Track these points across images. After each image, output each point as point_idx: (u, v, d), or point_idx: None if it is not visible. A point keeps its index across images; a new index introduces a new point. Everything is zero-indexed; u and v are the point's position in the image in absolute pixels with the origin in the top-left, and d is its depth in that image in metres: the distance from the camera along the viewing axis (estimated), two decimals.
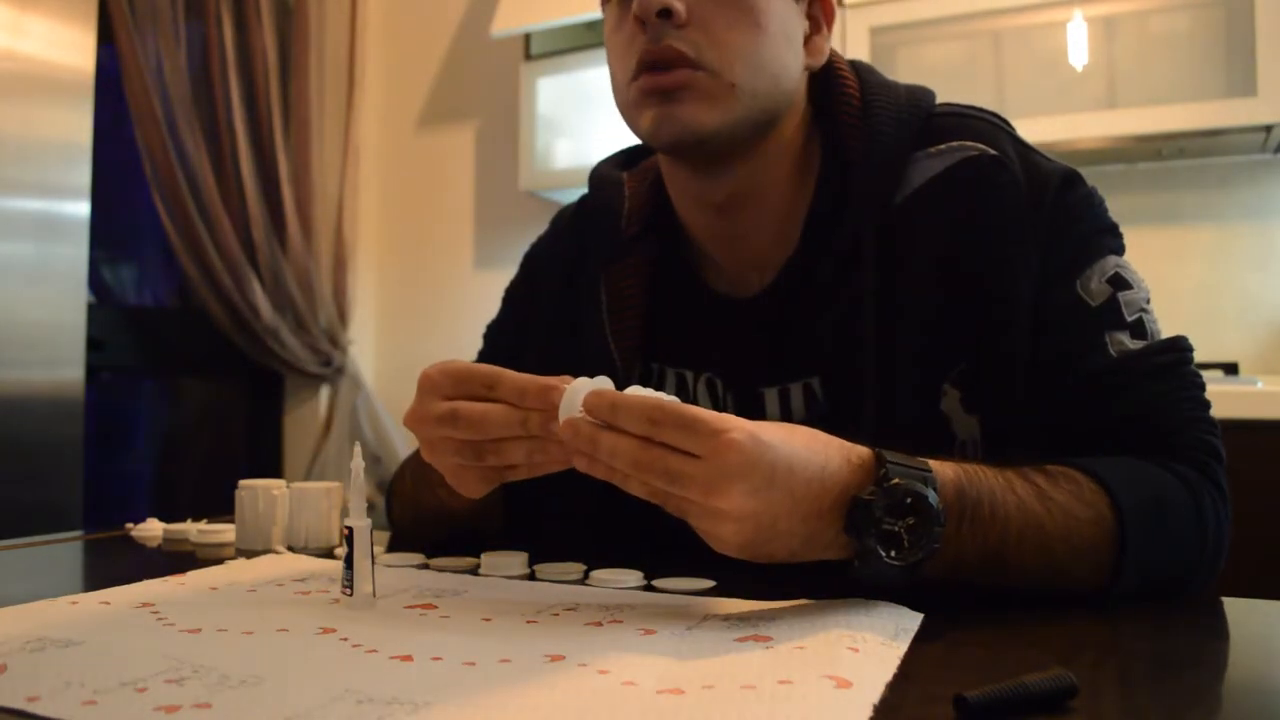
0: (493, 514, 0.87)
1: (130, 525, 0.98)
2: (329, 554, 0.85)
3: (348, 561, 0.62)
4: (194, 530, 0.92)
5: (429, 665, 0.49)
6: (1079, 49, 1.96)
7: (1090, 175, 0.83)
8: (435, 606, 0.63)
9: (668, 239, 0.89)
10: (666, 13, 0.74)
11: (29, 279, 1.85)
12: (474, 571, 0.75)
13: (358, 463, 0.63)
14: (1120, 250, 0.80)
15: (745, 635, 0.54)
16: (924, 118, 0.83)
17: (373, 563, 0.62)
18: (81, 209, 1.92)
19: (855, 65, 0.87)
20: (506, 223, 2.72)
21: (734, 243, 0.85)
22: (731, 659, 0.50)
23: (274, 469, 2.69)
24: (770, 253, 0.84)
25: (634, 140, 0.90)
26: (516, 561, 0.75)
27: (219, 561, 0.79)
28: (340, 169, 2.67)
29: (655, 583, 0.70)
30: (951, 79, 2.10)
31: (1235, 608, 0.68)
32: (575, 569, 0.74)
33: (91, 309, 2.01)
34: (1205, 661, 0.57)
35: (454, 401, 0.64)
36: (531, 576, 0.74)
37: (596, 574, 0.71)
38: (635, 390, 0.59)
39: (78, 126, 1.92)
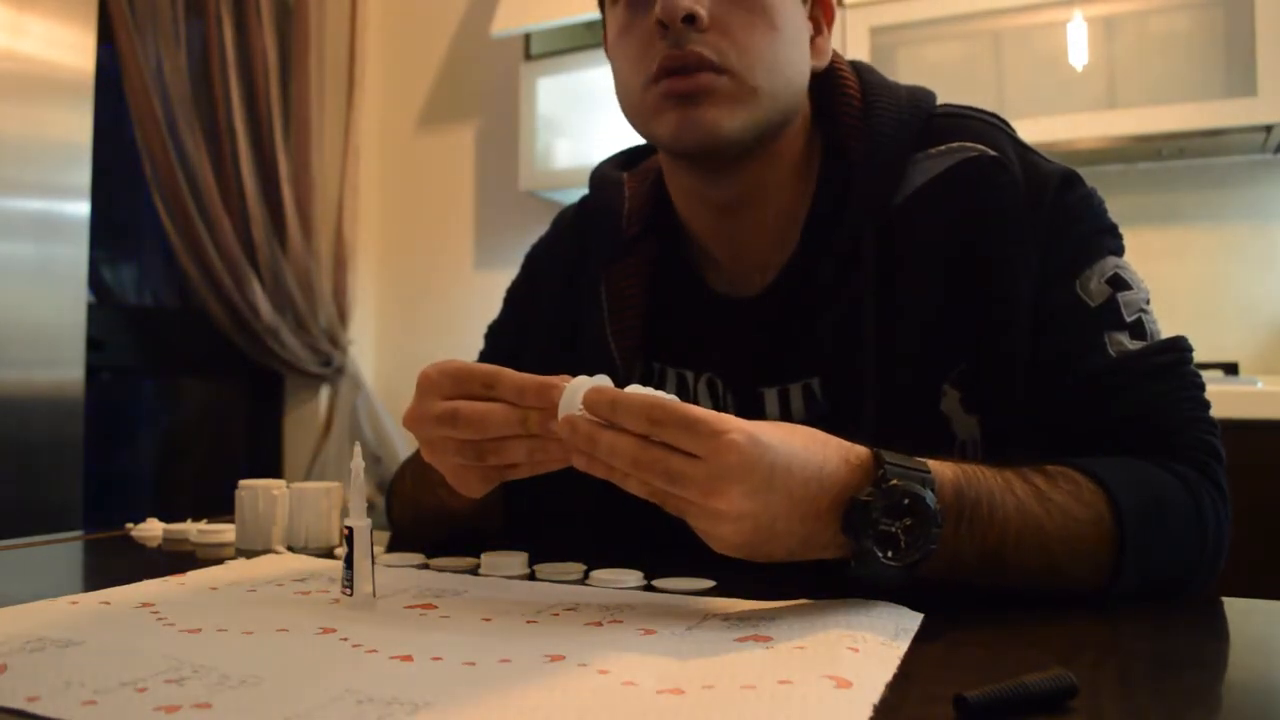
0: (493, 514, 0.87)
1: (130, 525, 0.98)
2: (329, 554, 0.85)
3: (348, 561, 0.62)
4: (194, 530, 0.92)
5: (429, 665, 0.49)
6: (1079, 49, 1.96)
7: (1090, 175, 0.83)
8: (435, 606, 0.63)
9: (668, 239, 0.89)
10: (691, 18, 0.74)
11: (29, 279, 1.85)
12: (474, 571, 0.75)
13: (358, 463, 0.63)
14: (1120, 251, 0.80)
15: (745, 635, 0.54)
16: (924, 118, 0.83)
17: (373, 563, 0.62)
18: (81, 209, 1.92)
19: (855, 66, 0.88)
20: (506, 223, 2.72)
21: (735, 243, 0.85)
22: (731, 659, 0.50)
23: (274, 469, 2.69)
24: (771, 253, 0.84)
25: (633, 140, 0.90)
26: (516, 561, 0.75)
27: (219, 561, 0.79)
28: (340, 169, 2.67)
29: (655, 583, 0.70)
30: (951, 79, 2.10)
31: (1235, 608, 0.68)
32: (575, 569, 0.74)
33: (91, 309, 2.01)
34: (1205, 661, 0.57)
35: (453, 401, 0.64)
36: (531, 576, 0.74)
37: (596, 574, 0.71)
38: (635, 389, 0.59)
39: (78, 126, 1.92)
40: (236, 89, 2.44)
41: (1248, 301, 2.02)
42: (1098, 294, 0.76)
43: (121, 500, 2.56)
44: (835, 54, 0.86)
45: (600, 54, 2.38)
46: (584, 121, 2.48)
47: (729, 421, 0.56)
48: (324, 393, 2.68)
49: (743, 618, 0.59)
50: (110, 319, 2.32)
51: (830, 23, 0.85)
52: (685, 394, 0.87)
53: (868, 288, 0.79)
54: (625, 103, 0.82)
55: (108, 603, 0.63)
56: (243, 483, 0.89)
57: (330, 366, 2.62)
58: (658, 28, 0.75)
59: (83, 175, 1.92)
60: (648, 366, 0.89)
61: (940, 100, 0.86)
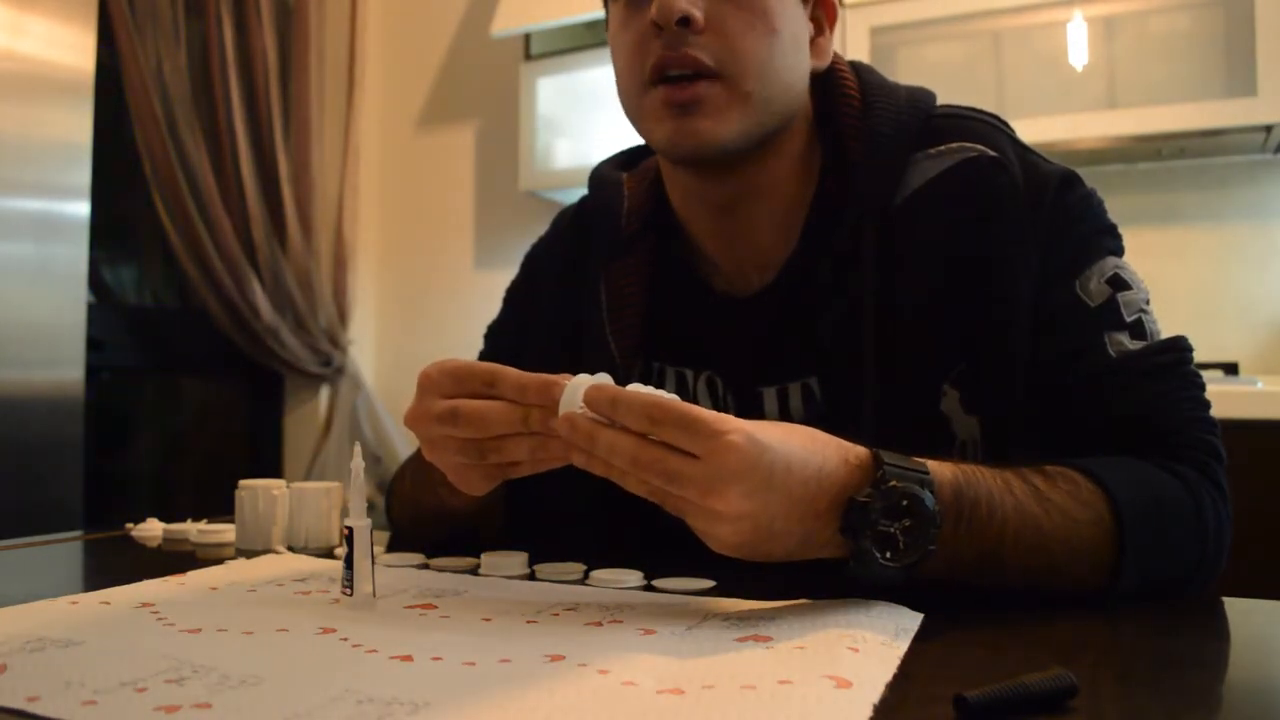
0: (493, 513, 0.87)
1: (130, 525, 0.98)
2: (329, 554, 0.85)
3: (348, 561, 0.62)
4: (194, 530, 0.92)
5: (429, 665, 0.49)
6: (1079, 49, 1.96)
7: (1090, 175, 0.83)
8: (435, 606, 0.63)
9: (667, 239, 0.89)
10: (686, 20, 0.74)
11: (29, 279, 1.85)
12: (474, 571, 0.75)
13: (357, 463, 0.63)
14: (1119, 251, 0.80)
15: (745, 635, 0.54)
16: (923, 118, 0.83)
17: (373, 563, 0.62)
18: (81, 209, 1.92)
19: (855, 66, 0.88)
20: (506, 223, 2.72)
21: (734, 242, 0.85)
22: (731, 659, 0.50)
23: (274, 469, 2.69)
24: (770, 252, 0.84)
25: (632, 140, 0.90)
26: (516, 561, 0.75)
27: (219, 561, 0.79)
28: (340, 169, 2.67)
29: (655, 583, 0.70)
30: (951, 79, 2.10)
31: (1235, 608, 0.68)
32: (575, 569, 0.74)
33: (91, 309, 2.01)
34: (1205, 661, 0.57)
35: (454, 400, 0.64)
36: (531, 576, 0.74)
37: (596, 574, 0.71)
38: (636, 388, 0.59)
39: (78, 126, 1.92)
40: (236, 89, 2.44)
41: (1248, 301, 2.02)
42: (1098, 294, 0.76)
43: (121, 500, 2.56)
44: (835, 54, 0.86)
45: (600, 54, 2.40)
46: (584, 121, 2.48)
47: (728, 422, 0.56)
48: (324, 393, 2.68)
49: (743, 618, 0.59)
50: (110, 319, 2.32)
51: (833, 23, 0.85)
52: (685, 392, 0.87)
53: (867, 287, 0.79)
54: (623, 101, 0.83)
55: (108, 603, 0.63)
56: (243, 483, 0.89)
57: (330, 366, 2.62)
58: (652, 28, 0.75)
59: (83, 175, 1.92)
60: (647, 365, 0.89)
61: (940, 100, 0.86)
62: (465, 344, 1.10)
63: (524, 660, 0.50)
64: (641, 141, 0.85)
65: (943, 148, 0.81)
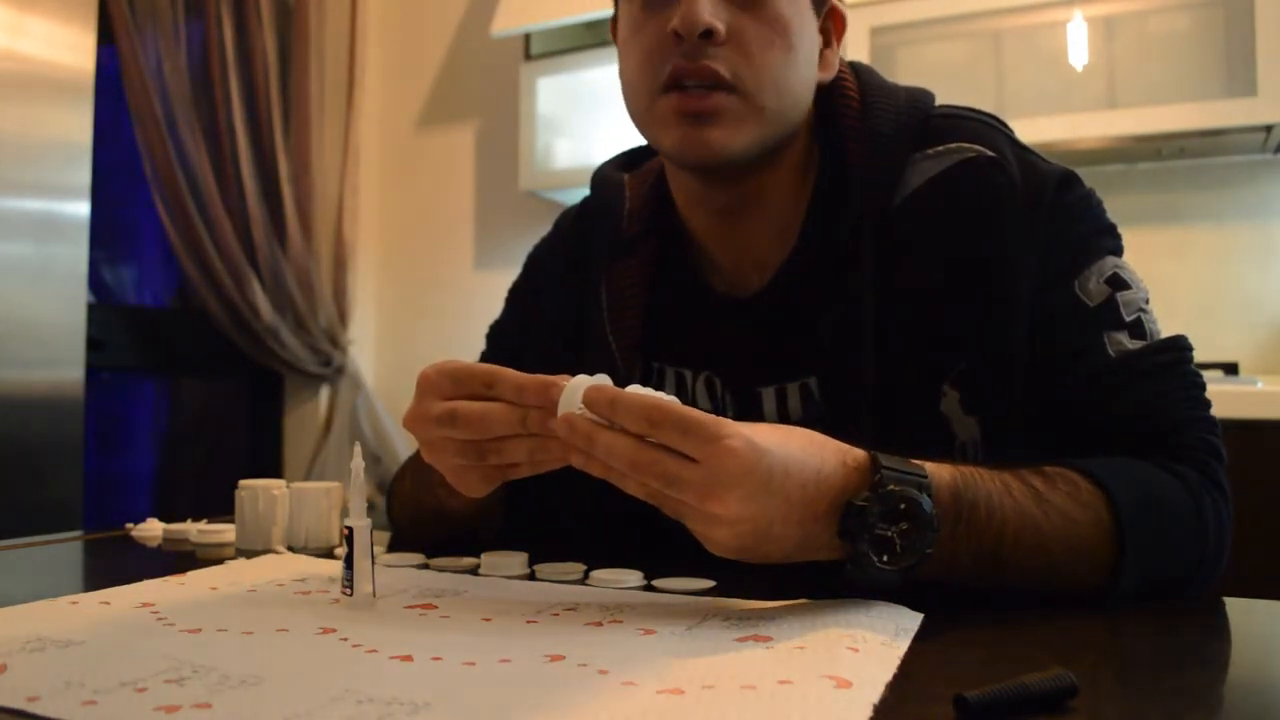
0: (492, 515, 0.87)
1: (130, 525, 0.98)
2: (329, 554, 0.85)
3: (347, 561, 0.62)
4: (194, 530, 0.92)
5: (429, 665, 0.49)
6: (1079, 49, 1.96)
7: (1090, 175, 0.83)
8: (435, 606, 0.63)
9: (668, 239, 0.89)
10: (709, 33, 0.74)
11: (29, 279, 1.85)
12: (474, 571, 0.75)
13: (357, 463, 0.63)
14: (1119, 251, 0.80)
15: (745, 635, 0.54)
16: (922, 119, 0.83)
17: (373, 563, 0.62)
18: (81, 209, 1.92)
19: (855, 67, 0.88)
20: (506, 223, 2.72)
21: (734, 243, 0.85)
22: (731, 659, 0.50)
23: (274, 469, 2.69)
24: (770, 253, 0.84)
25: (633, 140, 0.90)
26: (516, 561, 0.75)
27: (219, 561, 0.79)
28: (340, 169, 2.67)
29: (655, 583, 0.70)
30: (951, 79, 2.10)
31: (1235, 608, 0.68)
32: (575, 569, 0.74)
33: (91, 309, 2.01)
34: (1205, 661, 0.57)
35: (453, 401, 0.64)
36: (531, 576, 0.74)
37: (596, 574, 0.71)
38: (636, 389, 0.59)
39: (78, 126, 1.92)
40: (236, 89, 2.44)
41: (1248, 301, 2.02)
42: (1097, 294, 0.76)
43: (121, 500, 2.56)
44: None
45: (600, 54, 2.40)
46: (584, 121, 2.48)
47: (727, 426, 0.56)
48: (324, 393, 2.68)
49: (743, 618, 0.59)
50: (110, 319, 2.32)
51: (840, 35, 0.85)
52: (683, 393, 0.87)
53: (866, 288, 0.79)
54: (631, 103, 0.82)
55: (107, 603, 0.63)
56: (243, 483, 0.89)
57: (330, 366, 2.62)
58: (673, 36, 0.75)
59: (83, 175, 1.92)
60: (647, 366, 0.89)
61: (940, 100, 0.86)
62: (465, 344, 1.11)
63: (524, 660, 0.50)
64: (643, 142, 0.85)
65: (941, 148, 0.81)
